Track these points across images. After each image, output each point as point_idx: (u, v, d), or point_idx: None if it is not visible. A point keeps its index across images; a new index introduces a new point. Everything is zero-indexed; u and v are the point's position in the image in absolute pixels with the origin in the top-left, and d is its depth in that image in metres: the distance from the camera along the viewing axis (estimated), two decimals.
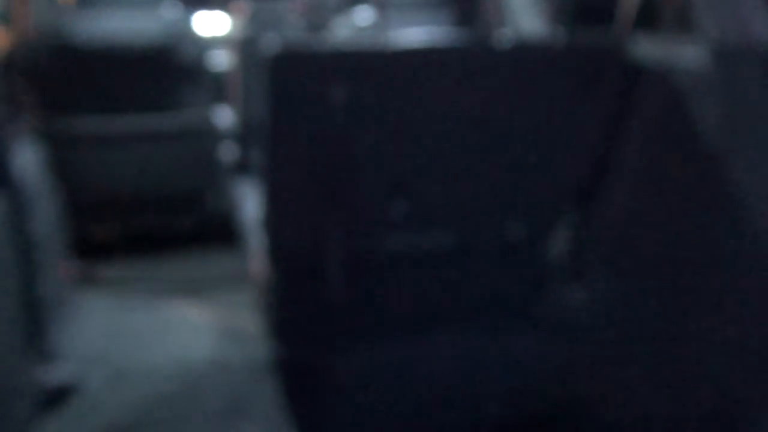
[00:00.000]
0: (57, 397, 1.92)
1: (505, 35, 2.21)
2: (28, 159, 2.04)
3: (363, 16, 3.17)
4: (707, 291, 1.40)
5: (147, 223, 3.04)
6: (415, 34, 1.87)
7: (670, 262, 1.51)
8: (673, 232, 1.51)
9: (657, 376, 1.52)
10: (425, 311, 1.73)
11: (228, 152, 3.17)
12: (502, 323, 1.77)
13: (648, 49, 1.59)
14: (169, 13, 3.13)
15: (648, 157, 1.61)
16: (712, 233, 1.40)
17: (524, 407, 1.76)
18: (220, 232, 2.99)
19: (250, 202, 2.71)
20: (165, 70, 2.96)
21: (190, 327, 2.43)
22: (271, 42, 1.48)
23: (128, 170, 2.95)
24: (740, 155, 1.33)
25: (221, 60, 3.62)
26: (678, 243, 1.49)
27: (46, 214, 2.13)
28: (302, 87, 1.49)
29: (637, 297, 1.62)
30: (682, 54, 1.49)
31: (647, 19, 1.79)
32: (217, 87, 3.35)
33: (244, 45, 3.32)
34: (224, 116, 3.23)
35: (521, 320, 1.78)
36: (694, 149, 1.45)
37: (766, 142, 1.28)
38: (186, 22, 3.20)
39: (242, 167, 3.14)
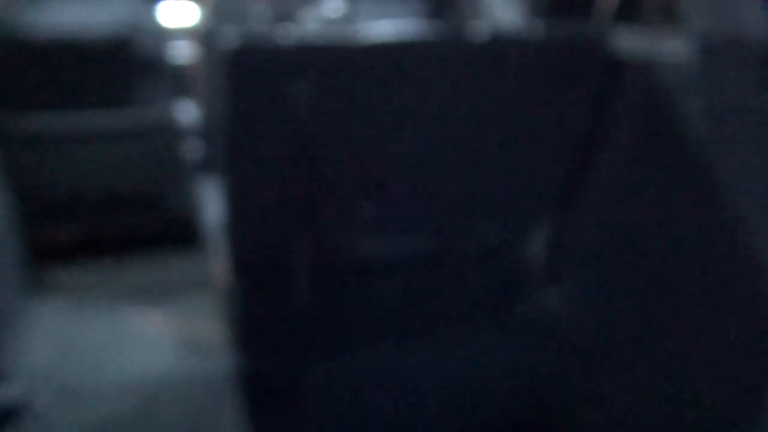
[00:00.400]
0: (5, 419, 1.84)
1: (480, 28, 2.17)
2: None
3: (332, 7, 3.10)
4: (688, 293, 1.39)
5: (105, 226, 2.98)
6: (386, 27, 1.83)
7: (651, 264, 1.50)
8: (654, 233, 1.49)
9: (636, 379, 1.52)
10: (399, 319, 1.70)
11: (191, 150, 3.10)
12: (480, 328, 1.75)
13: (630, 41, 1.56)
14: (127, 3, 3.03)
15: (630, 155, 1.59)
16: (695, 234, 1.38)
17: (503, 412, 1.76)
18: (182, 235, 2.91)
19: (213, 204, 2.64)
20: (122, 64, 2.87)
21: (148, 337, 2.37)
22: (231, 35, 1.42)
23: (84, 170, 2.89)
24: (726, 153, 1.31)
25: (184, 52, 3.53)
26: (659, 244, 1.48)
27: None
28: (265, 83, 1.45)
29: (616, 299, 1.61)
30: (665, 47, 1.46)
31: (628, 11, 1.75)
32: (179, 81, 3.26)
33: (207, 37, 3.23)
34: (187, 112, 3.14)
35: (499, 325, 1.77)
36: (678, 147, 1.43)
37: (753, 139, 1.25)
38: (146, 12, 3.11)
39: (206, 166, 3.06)
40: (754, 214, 1.25)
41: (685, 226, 1.41)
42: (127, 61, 2.90)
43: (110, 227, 2.98)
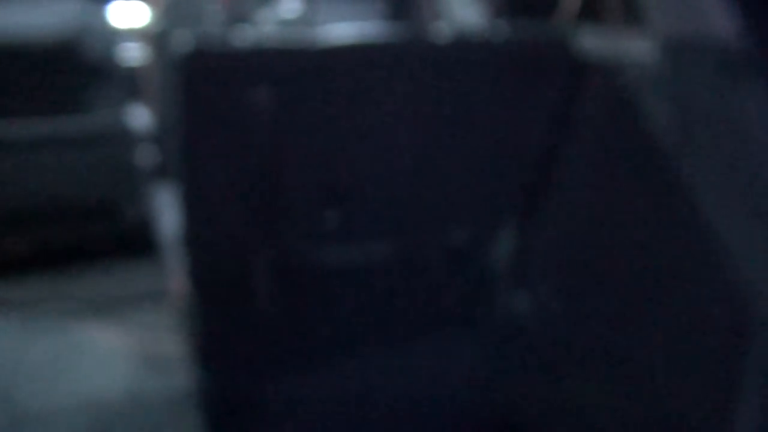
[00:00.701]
0: None
1: (443, 29, 2.16)
2: None
3: (289, 8, 3.06)
4: (655, 297, 1.40)
5: (55, 237, 2.92)
6: (346, 29, 1.81)
7: (617, 266, 1.50)
8: (620, 236, 1.50)
9: (603, 382, 1.52)
10: (365, 327, 1.68)
11: (145, 157, 3.03)
12: (446, 333, 1.74)
13: (594, 43, 1.56)
14: (73, 4, 2.95)
15: (595, 157, 1.59)
16: (662, 237, 1.39)
17: (470, 417, 1.75)
18: (137, 245, 2.85)
19: (169, 212, 2.58)
20: (70, 68, 2.80)
21: (102, 354, 2.32)
22: (184, 37, 1.39)
23: (33, 179, 2.82)
24: (692, 155, 1.31)
25: (135, 55, 3.45)
26: (625, 246, 1.48)
27: None
28: (222, 88, 1.42)
29: (583, 302, 1.61)
30: (630, 48, 1.46)
31: (590, 12, 1.76)
32: (131, 85, 3.19)
33: (159, 39, 3.17)
34: (140, 117, 3.07)
35: (466, 329, 1.76)
36: (644, 149, 1.44)
37: (718, 141, 1.26)
38: (94, 13, 3.03)
39: (162, 173, 3.00)
40: (720, 217, 1.26)
41: (651, 229, 1.42)
42: (75, 65, 2.83)
43: (61, 238, 2.91)
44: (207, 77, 1.42)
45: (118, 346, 2.37)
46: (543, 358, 1.70)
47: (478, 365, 1.76)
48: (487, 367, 1.75)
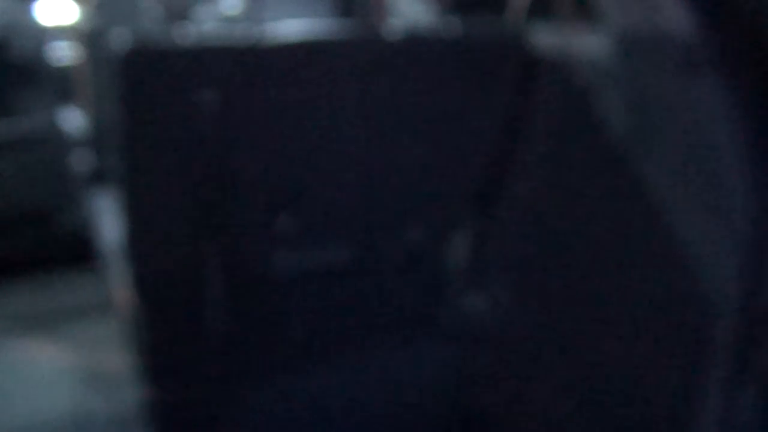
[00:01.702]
0: None
1: (393, 26, 2.14)
2: None
3: (230, 3, 3.00)
4: (614, 296, 1.41)
5: None
6: (293, 26, 1.77)
7: (575, 266, 1.51)
8: (579, 234, 1.51)
9: (562, 382, 1.53)
10: (323, 335, 1.66)
11: (80, 161, 2.93)
12: (406, 337, 1.73)
13: (545, 38, 1.56)
14: None
15: (551, 154, 1.59)
16: (620, 235, 1.40)
17: (434, 419, 1.75)
18: (75, 255, 2.76)
19: (109, 219, 2.50)
20: None
21: (42, 373, 2.22)
22: (122, 35, 1.33)
23: None
24: (648, 152, 1.32)
25: (66, 54, 3.33)
26: (584, 245, 1.49)
27: None
28: (162, 90, 1.38)
29: (541, 302, 1.62)
30: (582, 44, 1.47)
31: (540, 8, 1.76)
32: (62, 85, 3.08)
33: (92, 37, 3.06)
34: (73, 119, 2.96)
35: (425, 332, 1.75)
36: (600, 146, 1.45)
37: (675, 138, 1.27)
38: (21, 11, 2.91)
39: (99, 177, 2.90)
40: (679, 214, 1.27)
41: (609, 227, 1.43)
42: (3, 66, 2.71)
43: None
44: (147, 77, 1.38)
45: (59, 364, 2.29)
46: (503, 358, 1.70)
47: (439, 367, 1.75)
48: (449, 369, 1.75)
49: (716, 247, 1.18)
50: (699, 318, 1.18)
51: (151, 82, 1.37)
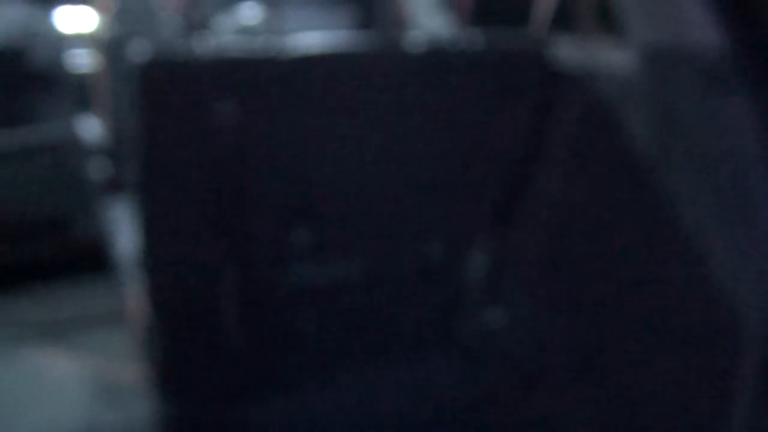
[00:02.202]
0: None
1: (415, 38, 2.13)
2: None
3: (249, 13, 3.01)
4: (636, 315, 1.39)
5: (2, 254, 2.79)
6: (314, 37, 1.77)
7: (595, 282, 1.49)
8: (599, 251, 1.49)
9: (579, 399, 1.51)
10: (337, 349, 1.65)
11: (98, 169, 2.94)
12: (422, 353, 1.72)
13: (569, 52, 1.55)
14: (19, 9, 2.86)
15: (572, 169, 1.58)
16: (643, 249, 1.38)
17: None
18: (91, 264, 2.75)
19: (126, 228, 2.51)
20: (16, 77, 2.70)
21: (55, 383, 2.22)
22: (140, 47, 1.34)
23: None
24: (672, 170, 1.30)
25: (85, 61, 3.36)
26: (604, 262, 1.47)
27: None
28: (181, 101, 1.39)
29: (559, 317, 1.60)
30: (606, 57, 1.46)
31: (563, 20, 1.75)
32: (81, 93, 3.11)
33: (111, 45, 3.09)
34: (91, 127, 2.98)
35: (441, 348, 1.74)
36: (623, 162, 1.43)
37: (701, 155, 1.25)
38: (41, 19, 2.94)
39: (116, 186, 2.92)
40: (703, 228, 1.25)
41: (631, 241, 1.41)
42: (22, 74, 2.74)
43: (7, 256, 2.79)
44: (166, 88, 1.38)
45: (72, 374, 2.29)
46: (520, 374, 1.68)
47: (456, 383, 1.74)
48: (465, 385, 1.73)
49: (743, 261, 1.16)
50: (726, 333, 1.16)
51: (170, 93, 1.38)
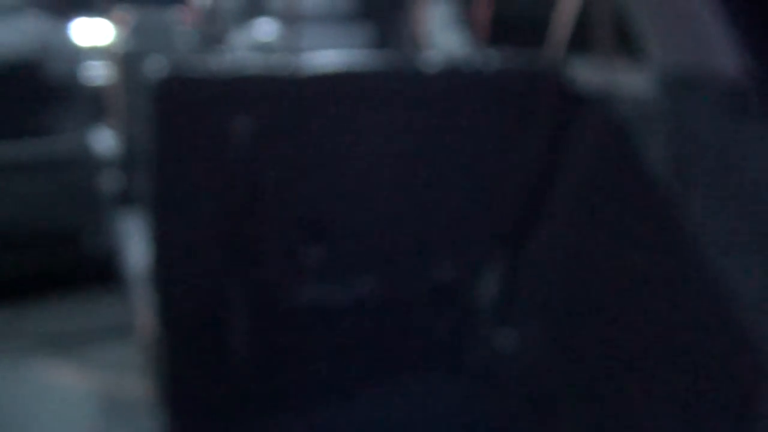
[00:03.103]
0: None
1: (430, 58, 2.14)
2: None
3: (265, 30, 3.02)
4: (644, 336, 1.37)
5: (11, 267, 2.79)
6: (330, 56, 1.78)
7: (606, 306, 1.47)
8: (613, 276, 1.47)
9: (590, 424, 1.48)
10: (347, 369, 1.63)
11: (110, 182, 2.95)
12: (431, 374, 1.70)
13: (586, 73, 1.54)
14: (36, 21, 2.88)
15: (586, 194, 1.57)
16: (655, 277, 1.37)
17: None
18: (100, 277, 2.76)
19: (136, 242, 2.51)
20: (32, 89, 2.72)
21: (62, 396, 2.21)
22: (157, 63, 1.34)
23: None
24: (690, 195, 1.29)
25: (100, 74, 3.38)
26: (615, 285, 1.45)
27: None
28: (196, 117, 1.39)
29: (570, 342, 1.58)
30: (623, 80, 1.45)
31: (579, 42, 1.75)
32: (96, 105, 3.12)
33: (127, 59, 3.11)
34: (105, 140, 3.00)
35: (450, 370, 1.72)
36: (638, 187, 1.42)
37: (720, 180, 1.24)
38: (58, 31, 2.96)
39: (127, 199, 2.92)
40: (719, 257, 1.24)
41: (642, 268, 1.39)
42: (36, 85, 2.75)
43: (17, 268, 2.80)
44: (182, 104, 1.39)
45: (78, 388, 2.27)
46: (530, 397, 1.66)
47: (464, 405, 1.72)
48: (475, 407, 1.72)
49: (763, 295, 1.14)
50: (742, 367, 1.14)
51: (186, 110, 1.38)
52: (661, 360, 1.32)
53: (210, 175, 1.44)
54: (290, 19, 2.85)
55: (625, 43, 1.51)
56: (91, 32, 3.94)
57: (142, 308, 1.96)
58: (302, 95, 1.44)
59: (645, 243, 1.39)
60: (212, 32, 3.23)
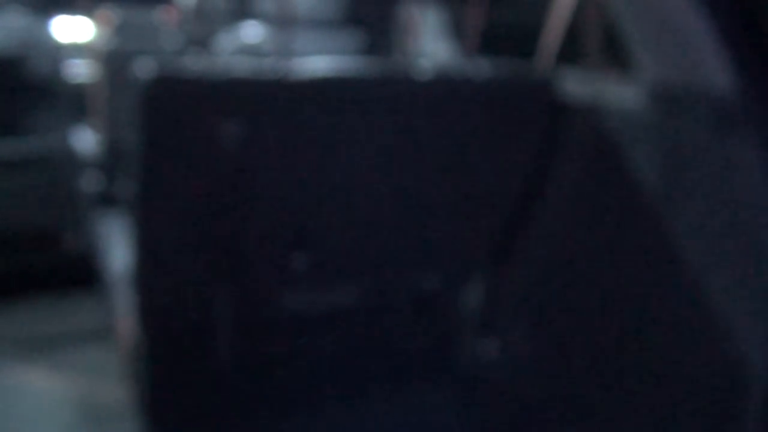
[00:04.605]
0: None
1: (420, 66, 2.13)
2: None
3: (251, 32, 3.00)
4: (632, 348, 1.37)
5: None
6: (320, 62, 1.76)
7: (590, 315, 1.48)
8: (598, 285, 1.48)
9: (575, 431, 1.48)
10: (331, 377, 1.62)
11: (90, 182, 2.90)
12: (416, 383, 1.70)
13: (575, 85, 1.55)
14: (17, 18, 2.84)
15: (572, 203, 1.57)
16: (642, 289, 1.37)
17: None
18: (79, 279, 2.71)
19: (117, 244, 2.47)
20: (10, 87, 2.68)
21: (38, 401, 2.16)
22: (145, 63, 1.32)
23: None
24: (677, 208, 1.30)
25: (83, 71, 3.33)
26: (603, 297, 1.46)
27: None
28: (184, 119, 1.37)
29: (554, 351, 1.59)
30: (612, 92, 1.46)
31: (569, 53, 1.75)
32: (77, 104, 3.08)
33: (111, 58, 3.07)
34: (86, 139, 2.95)
35: (436, 378, 1.72)
36: (624, 198, 1.42)
37: (708, 193, 1.25)
38: (39, 29, 2.92)
39: (108, 200, 2.88)
40: (705, 269, 1.24)
41: (629, 279, 1.40)
42: (18, 83, 2.71)
43: None
44: (170, 105, 1.37)
45: (56, 392, 2.23)
46: (513, 406, 1.66)
47: (450, 412, 1.72)
48: (459, 415, 1.71)
49: (749, 309, 1.15)
50: (731, 380, 1.15)
51: (174, 111, 1.37)
52: (645, 365, 1.33)
53: (196, 178, 1.42)
54: (278, 22, 2.83)
55: (615, 55, 1.52)
56: (73, 29, 3.89)
57: (122, 312, 1.93)
58: (291, 100, 1.43)
59: (630, 253, 1.40)
60: (197, 33, 3.20)
